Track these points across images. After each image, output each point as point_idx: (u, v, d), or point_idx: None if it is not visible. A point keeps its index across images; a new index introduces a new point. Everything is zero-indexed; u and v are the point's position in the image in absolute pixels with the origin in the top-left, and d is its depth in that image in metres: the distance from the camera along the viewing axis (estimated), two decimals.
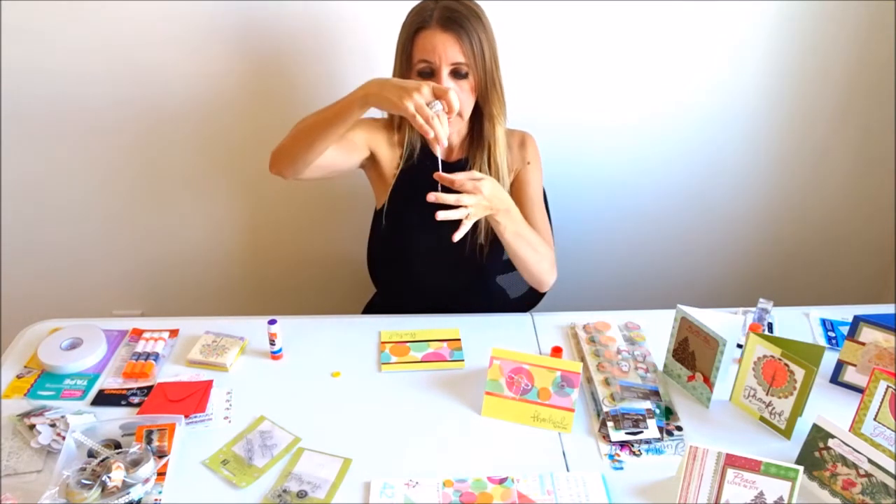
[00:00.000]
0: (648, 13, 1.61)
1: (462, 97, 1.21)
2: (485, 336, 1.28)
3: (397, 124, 1.34)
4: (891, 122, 1.79)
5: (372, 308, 1.57)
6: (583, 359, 1.23)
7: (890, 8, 1.64)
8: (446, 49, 1.19)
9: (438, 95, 1.06)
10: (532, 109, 1.67)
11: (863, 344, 1.15)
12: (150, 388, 1.14)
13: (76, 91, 1.63)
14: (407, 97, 1.04)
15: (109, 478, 0.92)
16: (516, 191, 1.37)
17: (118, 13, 1.54)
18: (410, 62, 1.23)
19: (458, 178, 1.11)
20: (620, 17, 1.61)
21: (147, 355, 1.19)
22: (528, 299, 1.49)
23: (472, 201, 1.11)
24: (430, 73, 1.22)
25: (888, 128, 1.80)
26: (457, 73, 1.22)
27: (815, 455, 0.99)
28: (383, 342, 1.26)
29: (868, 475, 0.93)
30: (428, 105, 1.05)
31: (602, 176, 1.82)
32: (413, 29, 1.22)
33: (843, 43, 1.67)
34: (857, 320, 1.15)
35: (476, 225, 1.31)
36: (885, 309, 1.32)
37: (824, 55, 1.69)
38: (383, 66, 1.33)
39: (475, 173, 1.14)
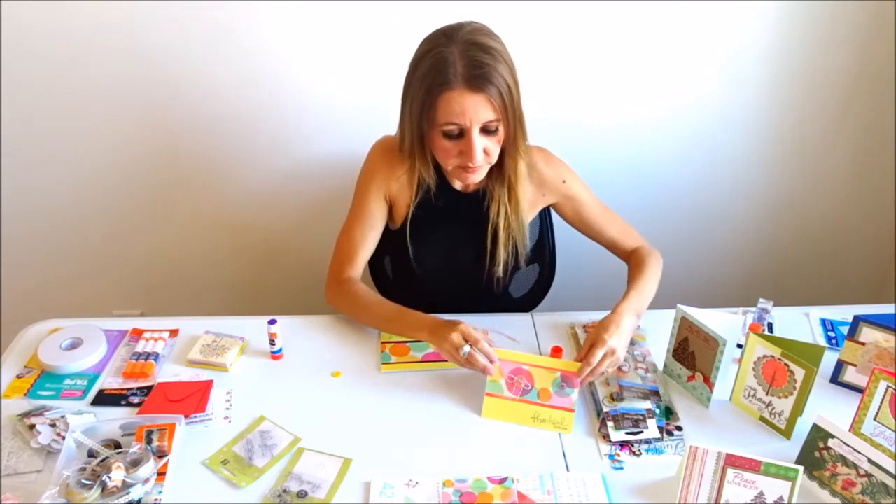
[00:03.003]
0: (647, 12, 1.61)
1: (490, 148, 1.18)
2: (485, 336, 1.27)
3: (408, 152, 1.25)
4: (891, 122, 1.79)
5: None
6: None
7: (890, 8, 1.64)
8: (477, 111, 1.12)
9: (468, 339, 1.13)
10: (530, 109, 1.67)
11: (863, 344, 1.15)
12: (150, 388, 1.14)
13: (76, 91, 1.63)
14: (452, 357, 1.14)
15: (109, 478, 0.92)
16: (574, 211, 1.36)
17: (122, 13, 1.54)
18: (433, 121, 1.15)
19: (587, 377, 1.13)
20: (619, 16, 1.61)
21: (147, 355, 1.19)
22: (530, 299, 1.48)
23: (607, 366, 1.13)
24: (458, 134, 1.15)
25: (888, 128, 1.80)
26: (487, 130, 1.16)
27: (815, 455, 0.99)
28: (383, 342, 1.26)
29: (868, 475, 0.93)
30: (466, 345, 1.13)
31: (601, 176, 1.82)
32: (435, 89, 1.12)
33: (843, 43, 1.67)
34: (857, 320, 1.15)
35: (494, 257, 1.30)
36: (885, 309, 1.31)
37: (824, 55, 1.69)
38: (393, 70, 1.32)
39: (594, 357, 1.12)
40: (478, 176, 1.22)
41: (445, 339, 1.13)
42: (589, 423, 1.11)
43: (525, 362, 1.13)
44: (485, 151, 1.17)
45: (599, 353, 1.12)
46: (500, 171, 1.25)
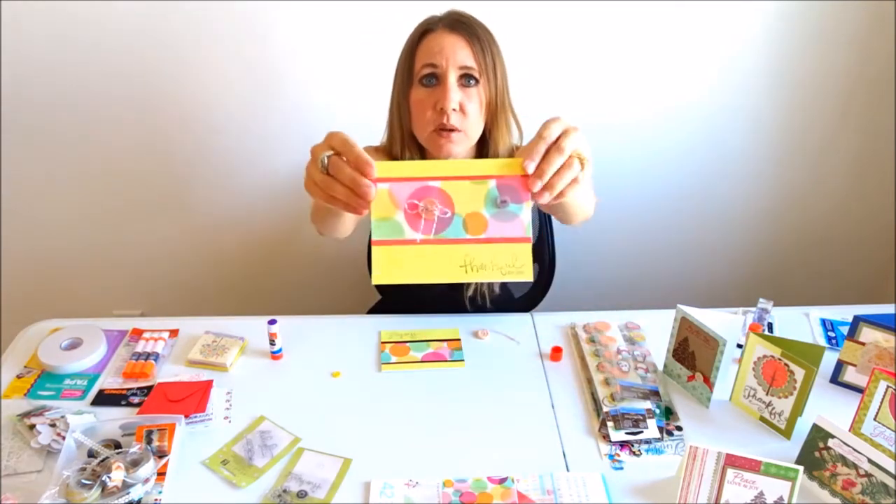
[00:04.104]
0: (648, 12, 1.61)
1: (468, 107, 1.10)
2: (485, 336, 1.28)
3: (398, 152, 1.23)
4: (891, 122, 1.79)
5: (376, 312, 1.56)
6: (583, 359, 1.23)
7: (890, 8, 1.64)
8: (455, 50, 1.08)
9: (333, 145, 0.79)
10: (528, 107, 1.67)
11: (863, 344, 1.15)
12: (150, 388, 1.14)
13: (76, 92, 1.63)
14: (314, 184, 0.80)
15: (109, 478, 0.92)
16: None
17: (119, 15, 1.54)
18: (412, 71, 1.11)
19: (547, 180, 0.77)
20: (620, 15, 1.61)
21: (147, 355, 1.19)
22: (530, 299, 1.49)
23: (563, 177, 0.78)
24: (434, 82, 1.10)
25: (888, 127, 1.80)
26: (466, 81, 1.10)
27: (815, 455, 0.99)
28: (383, 342, 1.26)
29: (868, 475, 0.93)
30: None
31: (601, 176, 1.81)
32: (417, 35, 1.14)
33: (843, 43, 1.67)
34: (857, 320, 1.15)
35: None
36: (885, 309, 1.31)
37: (824, 55, 1.69)
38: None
39: (549, 130, 0.78)
40: (455, 145, 1.12)
41: (310, 171, 0.81)
42: (589, 423, 1.11)
43: (433, 175, 0.73)
44: (461, 109, 1.10)
45: (556, 127, 0.79)
46: None
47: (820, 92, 1.74)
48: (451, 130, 1.11)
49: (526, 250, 0.75)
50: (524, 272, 0.76)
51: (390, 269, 0.74)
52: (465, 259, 0.75)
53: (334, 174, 0.77)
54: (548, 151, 0.77)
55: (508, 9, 1.56)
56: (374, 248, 0.74)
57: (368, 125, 1.41)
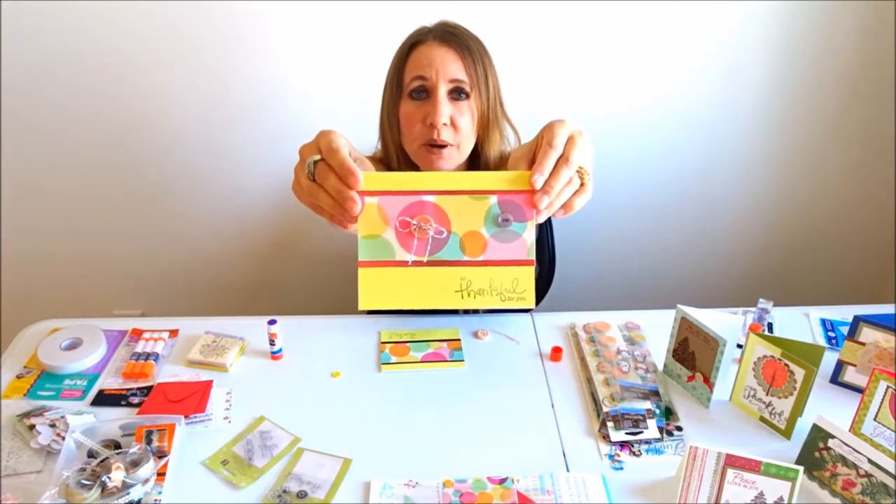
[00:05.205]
0: (649, 10, 1.61)
1: (459, 121, 1.08)
2: (485, 336, 1.27)
3: (395, 165, 1.21)
4: (891, 122, 1.79)
5: (376, 312, 1.56)
6: (583, 359, 1.23)
7: (890, 8, 1.64)
8: (445, 63, 1.06)
9: (321, 149, 0.77)
10: (528, 105, 1.67)
11: (863, 344, 1.15)
12: (149, 388, 1.14)
13: (77, 91, 1.63)
14: (300, 190, 0.76)
15: (109, 478, 0.92)
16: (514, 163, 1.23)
17: (119, 13, 1.54)
18: (401, 84, 1.08)
19: (545, 171, 0.70)
20: (621, 12, 1.61)
21: (147, 355, 1.19)
22: None
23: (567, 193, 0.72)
24: (423, 95, 1.07)
25: (888, 127, 1.80)
26: (456, 94, 1.07)
27: (815, 455, 0.99)
28: (383, 342, 1.26)
29: (868, 475, 0.93)
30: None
31: (601, 176, 1.81)
32: (407, 47, 1.11)
33: (843, 43, 1.67)
34: (857, 320, 1.15)
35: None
36: (885, 309, 1.31)
37: (824, 55, 1.69)
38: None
39: (558, 137, 0.71)
40: (446, 161, 1.10)
41: (299, 179, 0.77)
42: (589, 423, 1.11)
43: (428, 188, 0.67)
44: (452, 124, 1.08)
45: (563, 132, 0.72)
46: None
47: (820, 91, 1.74)
48: (442, 146, 1.09)
49: (528, 274, 0.69)
50: (526, 299, 0.71)
51: (378, 293, 0.69)
52: (462, 283, 0.70)
53: (320, 182, 0.73)
54: (556, 164, 0.71)
55: (503, 7, 1.55)
56: (360, 270, 0.68)
57: (370, 123, 1.42)
